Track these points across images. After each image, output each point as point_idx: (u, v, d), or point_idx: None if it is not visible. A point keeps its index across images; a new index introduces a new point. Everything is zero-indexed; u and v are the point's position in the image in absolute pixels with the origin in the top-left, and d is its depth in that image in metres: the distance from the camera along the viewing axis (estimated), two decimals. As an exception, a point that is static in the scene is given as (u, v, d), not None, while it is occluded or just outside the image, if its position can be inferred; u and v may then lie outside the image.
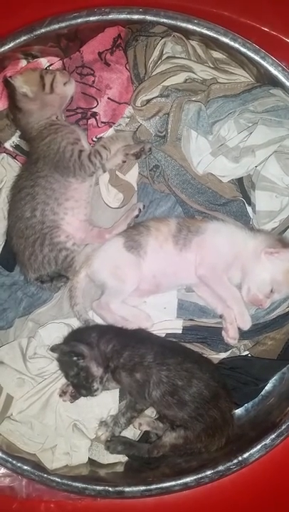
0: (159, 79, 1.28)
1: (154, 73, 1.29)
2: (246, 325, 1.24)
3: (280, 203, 1.29)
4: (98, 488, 1.16)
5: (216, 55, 1.34)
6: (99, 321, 1.28)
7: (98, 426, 1.24)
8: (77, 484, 1.17)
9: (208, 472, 1.15)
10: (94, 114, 1.32)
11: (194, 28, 1.24)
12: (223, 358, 1.31)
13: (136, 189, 1.35)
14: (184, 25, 1.24)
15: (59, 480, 1.17)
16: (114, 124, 1.34)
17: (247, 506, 1.24)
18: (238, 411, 1.30)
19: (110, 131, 1.34)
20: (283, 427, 1.16)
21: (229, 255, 1.25)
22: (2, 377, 1.25)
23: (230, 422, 1.18)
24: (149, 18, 1.25)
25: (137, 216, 1.32)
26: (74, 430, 1.24)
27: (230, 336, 1.24)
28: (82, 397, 1.20)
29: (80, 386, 1.17)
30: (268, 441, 1.16)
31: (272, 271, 1.22)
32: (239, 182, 1.34)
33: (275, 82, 1.24)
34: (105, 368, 1.16)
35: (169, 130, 1.28)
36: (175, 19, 1.24)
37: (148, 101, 1.28)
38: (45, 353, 1.26)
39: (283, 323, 1.30)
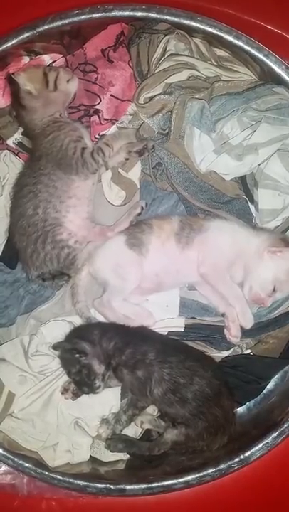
0: (162, 76, 1.27)
1: (157, 70, 1.28)
2: (248, 323, 1.24)
3: (283, 201, 1.29)
4: (100, 485, 1.16)
5: (220, 52, 1.34)
6: (101, 318, 1.28)
7: (100, 423, 1.23)
8: (78, 482, 1.17)
9: (210, 470, 1.15)
10: (97, 111, 1.32)
11: (198, 25, 1.23)
12: (225, 357, 1.30)
13: (138, 187, 1.35)
14: (187, 22, 1.24)
15: (60, 477, 1.17)
16: (117, 121, 1.33)
17: (248, 505, 1.24)
18: (240, 409, 1.30)
19: (113, 129, 1.34)
20: (285, 426, 1.16)
21: (231, 254, 1.25)
22: (4, 374, 1.25)
23: (232, 421, 1.18)
24: (152, 15, 1.25)
25: (139, 214, 1.32)
26: (75, 428, 1.24)
27: (233, 334, 1.24)
28: (83, 395, 1.20)
29: (82, 383, 1.16)
30: (269, 439, 1.16)
31: (274, 270, 1.21)
32: (242, 180, 1.34)
33: (279, 80, 1.24)
34: (107, 365, 1.16)
35: (172, 128, 1.28)
36: (178, 16, 1.24)
37: (151, 98, 1.28)
38: (47, 350, 1.26)
39: (285, 321, 1.29)
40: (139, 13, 1.25)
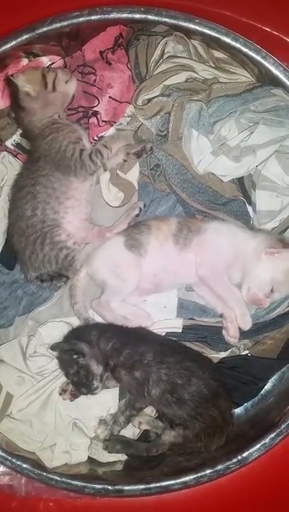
0: (160, 78, 1.28)
1: (155, 72, 1.29)
2: (247, 325, 1.24)
3: (281, 202, 1.29)
4: (97, 486, 1.16)
5: (218, 54, 1.34)
6: (99, 319, 1.29)
7: (98, 424, 1.24)
8: (76, 483, 1.17)
9: (208, 471, 1.15)
10: (95, 113, 1.32)
11: (196, 27, 1.24)
12: (223, 357, 1.31)
13: (137, 188, 1.35)
14: (185, 24, 1.24)
15: (58, 478, 1.17)
16: (115, 123, 1.34)
17: (246, 505, 1.24)
18: (238, 410, 1.30)
19: (111, 130, 1.34)
20: (282, 427, 1.16)
21: (230, 255, 1.25)
22: (2, 375, 1.25)
23: (229, 421, 1.18)
24: (150, 17, 1.25)
25: (137, 215, 1.32)
26: (73, 429, 1.24)
27: (231, 334, 1.24)
28: (82, 396, 1.20)
29: (80, 384, 1.17)
30: (267, 440, 1.16)
31: (272, 271, 1.22)
32: (240, 181, 1.34)
33: (276, 82, 1.24)
34: (105, 366, 1.16)
35: (170, 129, 1.28)
36: (177, 18, 1.24)
37: (149, 100, 1.28)
38: (45, 351, 1.26)
39: (283, 322, 1.30)
40: (137, 16, 1.25)
